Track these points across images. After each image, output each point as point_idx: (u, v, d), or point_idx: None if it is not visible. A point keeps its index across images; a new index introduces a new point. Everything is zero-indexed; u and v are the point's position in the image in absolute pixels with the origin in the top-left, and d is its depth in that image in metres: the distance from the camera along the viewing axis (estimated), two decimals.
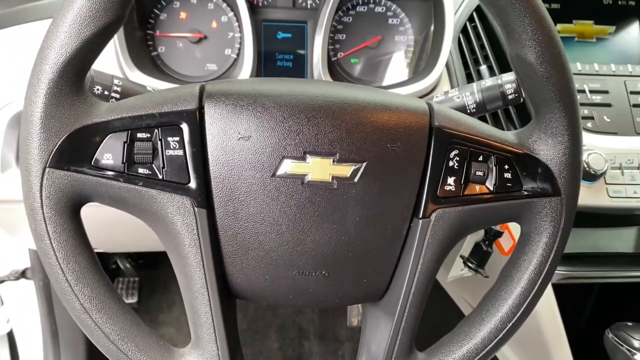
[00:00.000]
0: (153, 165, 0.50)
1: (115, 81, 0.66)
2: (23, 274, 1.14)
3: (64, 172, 0.50)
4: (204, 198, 0.50)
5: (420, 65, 0.93)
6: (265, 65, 0.94)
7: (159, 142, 0.50)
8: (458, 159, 0.52)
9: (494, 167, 0.53)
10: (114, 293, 0.53)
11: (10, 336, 1.22)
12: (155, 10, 0.87)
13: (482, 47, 0.91)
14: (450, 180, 0.52)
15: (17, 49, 0.83)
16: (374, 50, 0.91)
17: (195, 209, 0.51)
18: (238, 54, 0.92)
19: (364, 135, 0.53)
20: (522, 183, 0.54)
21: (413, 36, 0.95)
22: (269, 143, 0.49)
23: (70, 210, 0.51)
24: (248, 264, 0.52)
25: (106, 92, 0.65)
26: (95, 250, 0.54)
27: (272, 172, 0.50)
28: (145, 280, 1.47)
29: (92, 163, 0.51)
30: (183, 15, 0.88)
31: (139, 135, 0.49)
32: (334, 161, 0.52)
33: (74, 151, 0.48)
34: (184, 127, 0.49)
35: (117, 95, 0.66)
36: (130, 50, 0.81)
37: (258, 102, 0.49)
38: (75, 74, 0.49)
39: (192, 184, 0.50)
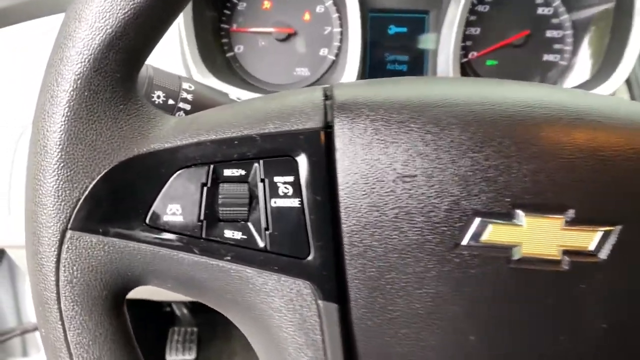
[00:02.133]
0: (249, 224, 0.31)
1: (185, 85, 0.44)
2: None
3: (98, 237, 0.29)
4: (334, 285, 0.31)
5: (583, 69, 0.68)
6: (370, 70, 0.71)
7: (261, 185, 0.31)
8: None
9: None
10: None
11: None
12: None
13: None
14: None
15: (17, 50, 0.65)
16: (518, 50, 0.67)
17: (320, 302, 0.31)
18: (337, 55, 0.70)
19: (617, 177, 0.29)
20: None
21: (571, 30, 0.70)
22: (449, 188, 0.30)
23: (107, 304, 0.29)
24: None
25: (171, 101, 0.43)
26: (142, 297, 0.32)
27: (456, 240, 0.30)
28: (202, 326, 1.27)
29: (148, 221, 0.30)
30: (267, 4, 0.68)
31: (228, 172, 0.31)
32: (566, 222, 0.30)
33: (115, 201, 0.30)
34: (301, 159, 0.31)
35: (188, 107, 0.44)
36: (202, 50, 0.64)
37: (426, 117, 0.31)
38: (121, 65, 0.28)
39: (314, 259, 0.31)
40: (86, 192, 0.29)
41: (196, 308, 1.26)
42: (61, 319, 0.29)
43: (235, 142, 0.31)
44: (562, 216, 0.30)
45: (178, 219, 0.31)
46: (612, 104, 0.34)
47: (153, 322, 1.19)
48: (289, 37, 0.71)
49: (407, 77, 0.57)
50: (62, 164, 0.29)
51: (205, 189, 0.31)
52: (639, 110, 0.33)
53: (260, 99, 0.34)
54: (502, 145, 0.30)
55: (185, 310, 1.20)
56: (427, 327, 0.31)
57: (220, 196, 0.31)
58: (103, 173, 0.30)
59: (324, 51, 0.72)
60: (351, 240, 0.31)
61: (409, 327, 0.31)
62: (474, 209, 0.30)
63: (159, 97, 0.43)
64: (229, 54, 0.72)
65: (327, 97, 0.33)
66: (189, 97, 0.44)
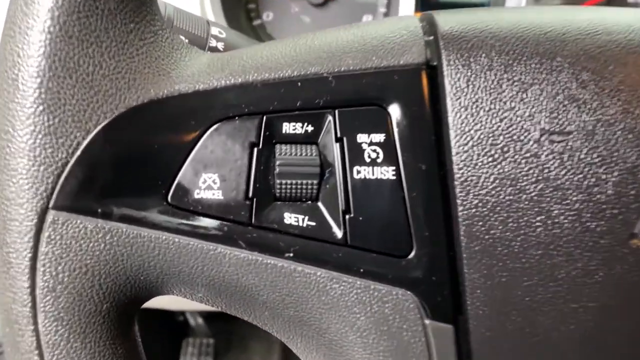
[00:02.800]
0: (320, 204, 0.22)
1: (215, 30, 0.34)
2: None
3: (95, 221, 0.21)
4: (448, 296, 0.22)
5: None
6: None
7: (337, 148, 0.22)
8: None
9: None
10: None
11: None
12: None
13: None
14: None
15: None
16: None
17: (427, 322, 0.21)
18: None
19: None
20: None
21: None
22: (621, 150, 0.21)
23: (109, 325, 0.20)
24: None
25: (199, 41, 0.33)
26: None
27: (631, 228, 0.21)
28: (218, 336, 1.16)
29: (170, 199, 0.21)
30: None
31: (288, 128, 0.22)
32: None
33: (121, 167, 0.21)
34: (395, 110, 0.22)
35: (222, 45, 0.33)
36: (227, 16, 0.56)
37: (577, 48, 0.22)
38: None
39: (418, 258, 0.22)
40: (77, 153, 0.20)
41: (212, 316, 1.16)
42: (38, 347, 0.19)
43: (299, 83, 0.21)
44: None
45: (215, 195, 0.21)
46: None
47: (164, 332, 1.09)
48: (326, 2, 0.63)
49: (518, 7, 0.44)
50: (40, 108, 0.19)
51: (255, 151, 0.21)
52: None
53: (331, 31, 0.24)
54: None
55: (200, 320, 1.10)
56: (586, 358, 0.21)
57: (277, 162, 0.21)
58: (103, 124, 0.20)
59: (367, 17, 0.63)
60: (471, 230, 0.21)
61: (558, 358, 0.21)
62: None
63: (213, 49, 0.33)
64: (256, 22, 0.64)
65: (430, 23, 0.23)
66: (220, 46, 0.34)
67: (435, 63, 0.22)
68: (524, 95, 0.21)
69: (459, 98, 0.21)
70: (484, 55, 0.22)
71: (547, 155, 0.21)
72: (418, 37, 0.23)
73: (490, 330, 0.21)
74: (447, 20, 0.23)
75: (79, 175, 0.20)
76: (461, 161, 0.21)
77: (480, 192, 0.21)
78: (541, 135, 0.21)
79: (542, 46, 0.22)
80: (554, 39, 0.22)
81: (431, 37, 0.22)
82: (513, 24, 0.23)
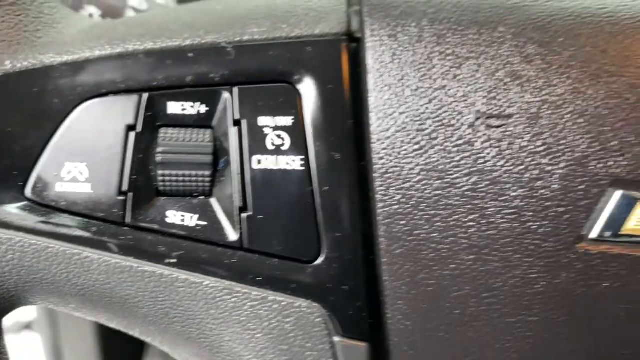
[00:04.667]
0: (213, 200, 0.19)
1: (134, 1, 0.30)
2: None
3: None
4: (362, 310, 0.19)
5: None
6: None
7: (234, 132, 0.18)
8: None
9: None
10: None
11: None
12: None
13: None
14: None
15: None
16: None
17: (337, 340, 0.18)
18: None
19: None
20: None
21: None
22: (569, 138, 0.17)
23: None
24: None
25: (115, 12, 0.29)
26: None
27: (579, 230, 0.18)
28: None
29: (29, 192, 0.18)
30: None
31: (174, 108, 0.18)
32: None
33: None
34: (307, 88, 0.19)
35: (99, 11, 0.29)
36: None
37: (523, 17, 0.18)
38: None
39: (327, 264, 0.18)
40: None
41: None
42: None
43: (190, 54, 0.18)
44: None
45: (82, 189, 0.17)
46: None
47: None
48: None
49: None
50: None
51: (132, 135, 0.17)
52: None
53: None
54: None
55: None
56: None
57: (160, 150, 0.17)
58: None
59: None
60: (392, 230, 0.18)
61: None
62: (613, 175, 0.18)
63: (91, 15, 0.29)
64: None
65: None
66: None
67: (359, 35, 0.19)
68: (458, 72, 0.18)
69: (382, 75, 0.18)
70: (413, 24, 0.18)
71: (482, 143, 0.18)
72: (339, 4, 0.19)
73: (414, 349, 0.18)
74: None
75: None
76: (382, 149, 0.18)
77: (404, 185, 0.18)
78: (476, 119, 0.18)
79: (482, 14, 0.18)
80: (497, 5, 0.19)
81: (357, 7, 0.19)
82: None
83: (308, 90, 0.18)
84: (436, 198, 0.18)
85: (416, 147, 0.18)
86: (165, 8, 0.32)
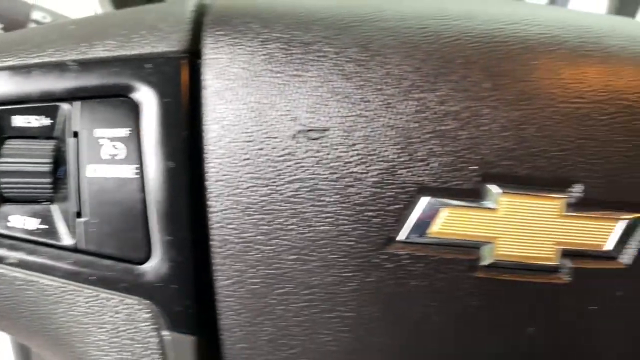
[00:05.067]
0: (53, 206, 0.20)
1: (38, 15, 0.31)
2: None
3: None
4: (191, 305, 0.20)
5: None
6: None
7: (72, 143, 0.20)
8: None
9: None
10: None
11: None
12: None
13: None
14: None
15: None
16: None
17: (165, 334, 0.19)
18: None
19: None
20: None
21: None
22: (380, 148, 0.19)
23: None
24: None
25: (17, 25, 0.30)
26: None
27: (389, 233, 0.19)
28: None
29: None
30: None
31: (19, 121, 0.20)
32: (568, 206, 0.19)
33: None
34: (145, 101, 0.20)
35: (1, 24, 0.31)
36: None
37: (349, 36, 0.20)
38: None
39: (158, 264, 0.20)
40: None
41: None
42: None
43: (35, 70, 0.19)
44: (562, 195, 0.19)
45: None
46: (636, 25, 0.22)
47: None
48: None
49: None
50: None
51: None
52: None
53: (102, 15, 0.22)
54: (468, 82, 0.19)
55: None
56: None
57: (2, 160, 0.19)
58: None
59: None
60: (223, 234, 0.19)
61: None
62: (419, 183, 0.19)
63: None
64: None
65: (201, 9, 0.21)
66: None
67: (201, 55, 0.20)
68: (285, 89, 0.19)
69: (218, 90, 0.19)
70: (248, 44, 0.20)
71: (303, 153, 0.19)
72: (184, 23, 0.21)
73: (244, 342, 0.20)
74: (225, 3, 0.21)
75: None
76: (214, 159, 0.19)
77: (234, 192, 0.19)
78: (298, 132, 0.19)
79: (312, 34, 0.20)
80: (328, 25, 0.20)
81: (200, 20, 0.21)
82: (290, 6, 0.21)
83: (146, 103, 0.20)
84: (262, 203, 0.19)
85: (245, 156, 0.19)
86: (40, 26, 0.33)
